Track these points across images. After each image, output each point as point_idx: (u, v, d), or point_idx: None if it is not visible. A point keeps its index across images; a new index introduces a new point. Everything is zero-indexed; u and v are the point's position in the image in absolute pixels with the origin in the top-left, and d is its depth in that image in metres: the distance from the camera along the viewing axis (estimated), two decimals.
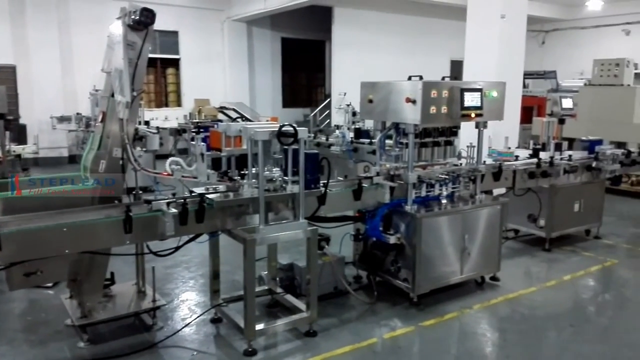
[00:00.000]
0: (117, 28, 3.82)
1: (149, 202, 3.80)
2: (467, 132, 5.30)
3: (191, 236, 4.03)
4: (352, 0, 14.94)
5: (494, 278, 5.42)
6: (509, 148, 6.60)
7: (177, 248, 4.06)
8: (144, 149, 4.23)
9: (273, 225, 4.03)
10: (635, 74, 12.25)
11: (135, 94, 3.85)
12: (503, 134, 6.68)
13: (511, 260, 6.09)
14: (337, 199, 4.55)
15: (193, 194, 3.97)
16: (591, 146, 6.73)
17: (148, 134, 4.24)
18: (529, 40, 12.82)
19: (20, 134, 11.31)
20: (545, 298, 5.13)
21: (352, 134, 7.42)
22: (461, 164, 5.19)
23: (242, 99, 14.67)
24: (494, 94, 4.95)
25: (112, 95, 3.90)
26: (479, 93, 4.79)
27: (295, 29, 17.30)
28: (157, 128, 8.35)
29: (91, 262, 3.99)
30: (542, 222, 6.43)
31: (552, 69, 15.41)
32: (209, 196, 3.91)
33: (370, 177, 4.87)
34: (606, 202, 7.10)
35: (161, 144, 4.49)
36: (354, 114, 11.36)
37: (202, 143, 3.96)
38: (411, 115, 4.54)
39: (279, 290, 4.79)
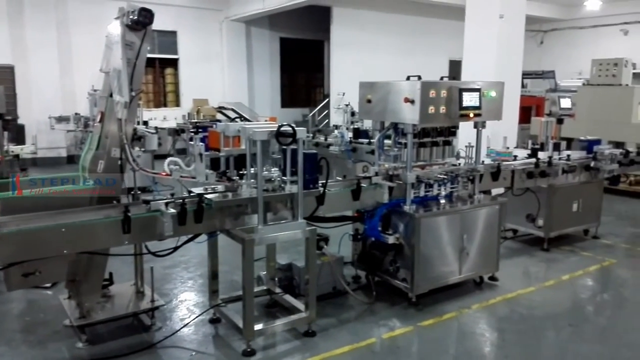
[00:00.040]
0: (115, 28, 3.82)
1: (147, 202, 3.80)
2: (465, 132, 5.30)
3: (190, 236, 4.03)
4: (350, 0, 14.94)
5: (492, 278, 5.43)
6: (508, 148, 6.60)
7: (176, 248, 4.06)
8: (143, 149, 4.23)
9: (272, 225, 4.03)
10: (634, 73, 12.27)
11: (133, 94, 3.86)
12: (501, 134, 6.68)
13: (510, 260, 6.10)
14: (335, 199, 4.55)
15: (192, 194, 3.97)
16: (589, 146, 6.74)
17: (146, 134, 4.23)
18: (528, 40, 12.82)
19: (18, 134, 11.30)
20: (544, 298, 5.14)
21: (350, 134, 7.41)
22: (460, 163, 5.19)
23: (241, 99, 14.69)
24: (493, 93, 4.96)
25: (111, 95, 3.90)
26: (478, 93, 4.79)
27: (294, 29, 17.30)
28: (156, 128, 8.30)
29: (90, 262, 3.99)
30: (540, 222, 6.44)
31: (550, 68, 15.43)
32: (208, 196, 3.91)
33: (369, 177, 4.87)
34: (604, 201, 7.11)
35: (160, 144, 4.49)
36: (352, 114, 11.39)
37: (201, 143, 3.96)
38: (410, 115, 4.54)
39: (277, 290, 4.79)
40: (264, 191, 3.95)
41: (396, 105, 4.64)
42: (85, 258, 3.90)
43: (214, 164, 4.28)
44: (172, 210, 3.68)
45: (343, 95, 13.72)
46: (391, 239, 4.73)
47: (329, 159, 4.59)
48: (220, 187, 4.09)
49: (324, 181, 4.33)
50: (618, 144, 7.71)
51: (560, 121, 7.36)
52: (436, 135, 4.97)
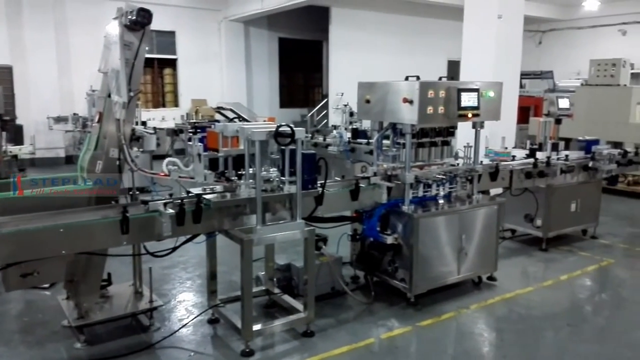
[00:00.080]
0: (113, 28, 3.82)
1: (145, 202, 3.79)
2: (464, 132, 5.31)
3: (188, 237, 4.02)
4: (349, 1, 14.94)
5: (491, 278, 5.43)
6: (506, 148, 6.60)
7: (174, 249, 4.05)
8: (141, 150, 4.23)
9: (270, 225, 4.03)
10: (632, 74, 12.32)
11: (132, 94, 3.85)
12: (500, 134, 6.69)
13: (508, 260, 6.10)
14: (334, 199, 4.55)
15: (190, 195, 3.96)
16: (588, 146, 6.75)
17: (145, 134, 4.23)
18: (526, 40, 12.83)
19: (16, 135, 11.29)
20: (542, 298, 5.14)
21: (349, 134, 7.42)
22: (458, 164, 5.20)
23: (240, 99, 14.67)
24: (491, 94, 4.96)
25: (109, 96, 3.89)
26: (476, 93, 4.80)
27: (293, 29, 17.30)
28: (154, 128, 8.30)
29: (88, 262, 3.99)
30: (539, 222, 6.44)
31: (548, 69, 15.44)
32: (206, 197, 3.91)
33: (368, 177, 4.87)
34: (603, 202, 7.12)
35: (158, 145, 4.49)
36: (351, 114, 11.38)
37: (199, 143, 3.96)
38: (408, 116, 4.54)
39: (276, 290, 4.78)
40: (263, 191, 3.95)
41: (395, 105, 4.64)
42: (83, 258, 3.90)
43: (213, 164, 4.28)
44: (171, 211, 3.67)
45: (342, 95, 13.71)
46: (390, 239, 4.73)
47: (327, 159, 4.60)
48: (218, 188, 4.09)
49: (323, 181, 4.33)
50: (616, 144, 7.73)
51: (558, 121, 7.38)
52: (435, 135, 4.97)
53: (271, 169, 4.16)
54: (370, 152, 5.69)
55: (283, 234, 4.04)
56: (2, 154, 8.06)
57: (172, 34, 15.40)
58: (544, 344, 4.30)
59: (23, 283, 3.57)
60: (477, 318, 4.71)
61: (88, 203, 3.88)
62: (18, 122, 12.26)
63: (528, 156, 6.37)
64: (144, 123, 10.46)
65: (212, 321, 4.49)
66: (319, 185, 4.28)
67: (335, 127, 9.70)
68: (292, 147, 3.90)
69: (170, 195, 3.90)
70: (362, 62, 14.60)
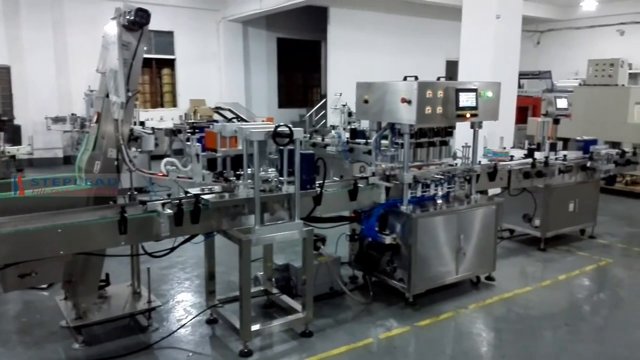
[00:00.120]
0: (111, 28, 3.82)
1: (144, 202, 3.79)
2: (462, 132, 5.31)
3: (186, 237, 4.02)
4: (347, 1, 14.94)
5: (489, 278, 5.43)
6: (504, 148, 6.61)
7: (173, 249, 4.05)
8: (139, 150, 4.22)
9: (269, 225, 4.03)
10: (630, 74, 12.33)
11: (130, 94, 3.85)
12: (498, 134, 6.70)
13: (506, 260, 6.11)
14: (332, 199, 4.55)
15: (188, 195, 3.96)
16: (586, 146, 6.75)
17: (143, 134, 4.23)
18: (524, 40, 12.84)
19: (14, 135, 11.29)
20: (541, 298, 5.15)
21: (347, 134, 7.42)
22: (456, 164, 5.20)
23: (238, 100, 14.65)
24: (489, 94, 4.96)
25: (107, 96, 3.89)
26: (474, 93, 4.80)
27: (291, 29, 17.29)
28: (153, 128, 8.30)
29: (86, 263, 3.98)
30: (537, 222, 6.45)
31: (547, 69, 15.47)
32: (204, 197, 3.90)
33: (366, 178, 4.88)
34: (601, 201, 7.13)
35: (156, 145, 4.48)
36: (349, 114, 11.37)
37: (198, 143, 3.95)
38: (406, 116, 4.54)
39: (274, 290, 4.78)
40: (261, 191, 3.94)
41: (393, 105, 4.64)
42: (81, 259, 3.89)
43: (211, 164, 4.28)
44: (169, 211, 3.67)
45: (340, 95, 13.72)
46: (388, 239, 4.73)
47: (326, 160, 4.59)
48: (217, 188, 4.08)
49: (321, 181, 4.33)
50: (614, 144, 7.74)
51: (556, 121, 7.38)
52: (433, 135, 4.97)
53: (269, 169, 4.15)
54: (369, 152, 5.69)
55: (281, 234, 4.04)
56: (0, 154, 8.05)
57: (170, 34, 15.38)
58: (542, 343, 4.31)
59: (21, 283, 3.56)
60: (475, 318, 4.71)
61: (86, 203, 3.87)
62: (16, 122, 12.28)
63: (526, 156, 6.38)
64: (142, 123, 10.45)
65: (210, 321, 4.49)
66: (317, 185, 4.28)
67: (333, 127, 9.70)
68: (290, 147, 3.90)
69: (169, 195, 3.90)
70: (361, 62, 14.60)
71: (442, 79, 4.76)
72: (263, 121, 6.25)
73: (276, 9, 14.27)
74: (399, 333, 4.38)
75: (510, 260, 6.17)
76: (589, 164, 6.53)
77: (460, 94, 4.68)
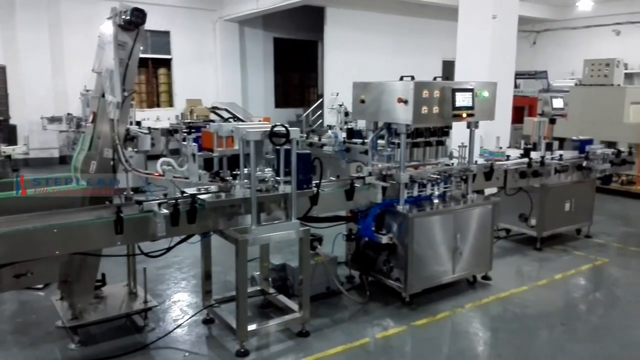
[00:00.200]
0: (107, 28, 3.80)
1: (140, 202, 3.78)
2: (458, 132, 5.32)
3: (183, 237, 4.02)
4: (344, 1, 14.95)
5: (485, 277, 5.44)
6: (501, 148, 6.63)
7: (169, 249, 4.05)
8: (135, 150, 4.21)
9: (265, 225, 4.03)
10: (625, 74, 12.39)
11: (126, 94, 3.84)
12: (494, 134, 6.71)
13: (503, 259, 6.12)
14: (329, 199, 4.55)
15: (184, 195, 3.96)
16: (582, 146, 6.77)
17: (139, 134, 4.21)
18: (520, 40, 12.89)
19: (10, 135, 11.25)
20: (537, 297, 5.16)
21: (344, 134, 7.43)
22: (453, 163, 5.21)
23: (235, 99, 14.65)
24: (485, 94, 4.97)
25: (103, 96, 3.88)
26: (471, 93, 4.81)
27: (288, 29, 17.29)
28: (149, 128, 8.31)
29: (82, 263, 3.97)
30: (533, 222, 6.46)
31: (543, 69, 15.51)
32: (201, 197, 3.90)
33: (363, 177, 4.88)
34: (597, 201, 7.15)
35: (153, 145, 4.47)
36: (346, 114, 11.36)
37: (194, 143, 3.95)
38: (403, 115, 4.55)
39: (271, 290, 4.78)
40: (258, 191, 3.94)
41: (389, 105, 4.65)
42: (77, 259, 3.88)
43: (207, 164, 4.27)
44: (165, 211, 3.67)
45: (337, 95, 13.70)
46: (385, 239, 4.74)
47: (322, 159, 4.59)
48: (213, 188, 4.08)
49: (318, 181, 4.33)
50: (610, 144, 7.76)
51: (552, 121, 7.40)
52: (429, 135, 4.98)
53: (266, 169, 4.15)
54: (365, 152, 5.70)
55: (278, 234, 4.04)
56: None
57: (166, 33, 15.36)
58: (538, 343, 4.32)
59: (16, 283, 3.55)
60: (471, 317, 4.72)
61: (82, 203, 3.86)
62: (12, 122, 12.24)
63: (522, 156, 6.39)
64: (138, 123, 10.42)
65: (207, 321, 4.48)
66: (314, 185, 4.28)
67: (330, 127, 9.70)
68: (287, 147, 3.90)
69: (165, 195, 3.90)
70: (358, 62, 14.61)
71: (439, 79, 4.77)
72: (260, 121, 6.24)
73: (273, 9, 14.26)
74: (395, 333, 4.39)
75: (507, 260, 6.18)
76: (584, 163, 6.54)
77: (457, 93, 4.69)
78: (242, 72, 16.66)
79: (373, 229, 4.79)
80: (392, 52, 15.75)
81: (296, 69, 18.73)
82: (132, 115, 9.68)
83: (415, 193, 4.88)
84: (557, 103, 7.48)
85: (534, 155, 6.30)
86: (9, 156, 8.34)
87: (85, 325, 4.12)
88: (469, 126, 5.08)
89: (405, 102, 4.48)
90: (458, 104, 4.70)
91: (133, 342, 4.14)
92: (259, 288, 4.81)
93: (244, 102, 16.15)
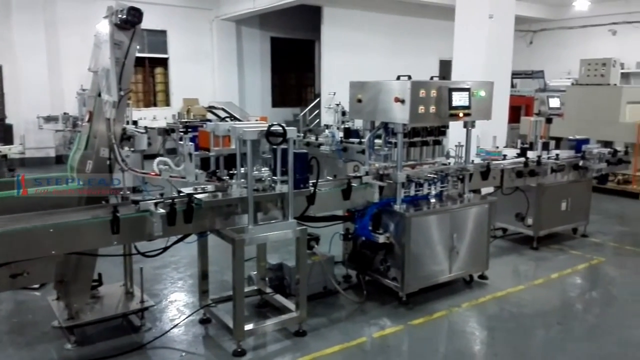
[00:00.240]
0: (104, 27, 3.80)
1: (136, 202, 3.77)
2: (455, 132, 5.33)
3: (179, 237, 4.01)
4: (341, 0, 14.94)
5: (482, 277, 5.45)
6: (497, 147, 6.63)
7: (166, 248, 4.04)
8: (132, 149, 4.20)
9: (262, 225, 4.02)
10: (622, 73, 12.43)
11: (122, 93, 3.83)
12: (491, 134, 6.72)
13: (499, 258, 6.13)
14: (326, 198, 4.55)
15: (181, 194, 3.95)
16: (578, 145, 6.79)
17: (136, 133, 4.21)
18: (517, 40, 12.90)
19: (6, 134, 11.24)
20: (533, 296, 5.17)
21: (341, 134, 7.42)
22: (449, 163, 5.21)
23: (231, 99, 14.62)
24: (482, 93, 4.98)
25: (99, 95, 3.87)
26: (467, 93, 4.81)
27: (285, 29, 17.27)
28: (145, 128, 8.28)
29: (78, 263, 3.96)
30: (529, 221, 6.47)
31: (539, 68, 15.54)
32: (198, 196, 3.89)
33: (360, 177, 4.88)
34: (593, 200, 7.16)
35: (149, 144, 4.48)
36: (343, 113, 11.38)
37: (191, 143, 3.94)
38: (400, 115, 4.55)
39: (268, 290, 4.78)
40: (254, 191, 3.94)
41: (386, 104, 4.65)
42: (74, 259, 3.87)
43: (204, 163, 4.27)
44: (162, 211, 3.66)
45: (334, 94, 13.72)
46: (382, 238, 4.74)
47: (319, 159, 4.59)
48: (210, 187, 4.07)
49: (315, 181, 4.32)
50: (606, 143, 7.80)
51: (549, 121, 7.42)
52: (426, 134, 4.98)
53: (263, 169, 4.15)
54: (362, 152, 5.69)
55: (275, 233, 4.04)
56: None
57: (163, 33, 15.32)
58: (534, 342, 4.33)
59: (12, 284, 3.53)
60: (468, 317, 4.73)
61: (78, 203, 3.85)
62: (7, 121, 12.22)
63: (519, 155, 6.40)
64: (135, 122, 10.39)
65: (203, 321, 4.48)
66: (310, 184, 4.28)
67: (327, 126, 9.70)
68: (284, 146, 3.90)
69: (162, 194, 3.88)
70: (355, 62, 14.61)
71: (436, 79, 4.78)
72: (256, 120, 6.24)
73: (270, 8, 14.24)
74: (392, 332, 4.39)
75: (503, 259, 6.19)
76: (581, 163, 6.56)
77: (453, 93, 4.70)
78: (239, 72, 16.64)
79: (370, 228, 4.80)
80: (389, 52, 15.75)
81: (293, 68, 18.71)
82: (128, 114, 9.64)
83: (412, 192, 4.88)
84: (554, 103, 7.50)
85: (530, 154, 6.32)
86: (4, 155, 8.31)
87: (81, 325, 4.11)
88: (465, 125, 5.09)
89: (402, 101, 4.48)
90: (455, 103, 4.70)
91: (130, 342, 4.13)
92: (255, 288, 4.81)
93: (240, 101, 16.14)
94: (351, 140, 7.08)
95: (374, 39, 15.66)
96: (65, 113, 11.89)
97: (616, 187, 9.74)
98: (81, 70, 4.52)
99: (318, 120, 15.45)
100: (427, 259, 4.88)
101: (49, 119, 12.32)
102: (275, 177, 4.10)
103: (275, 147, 3.93)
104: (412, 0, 14.38)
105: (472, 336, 4.46)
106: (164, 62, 15.65)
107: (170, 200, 3.73)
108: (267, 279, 4.85)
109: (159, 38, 15.29)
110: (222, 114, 10.25)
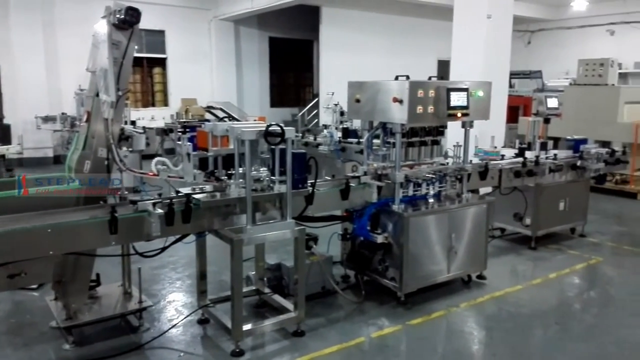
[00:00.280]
0: (102, 27, 3.79)
1: (134, 202, 3.76)
2: (453, 132, 5.33)
3: (178, 237, 4.01)
4: (339, 0, 14.95)
5: (480, 276, 5.46)
6: (495, 147, 6.64)
7: (164, 249, 4.03)
8: (130, 149, 4.19)
9: (260, 225, 4.02)
10: (620, 73, 12.45)
11: (120, 93, 3.83)
12: (489, 134, 6.73)
13: (497, 258, 6.13)
14: (324, 198, 4.55)
15: (179, 194, 3.95)
16: (576, 145, 6.79)
17: (134, 133, 4.20)
18: (515, 40, 12.90)
19: (4, 134, 11.23)
20: (531, 296, 5.17)
21: (339, 134, 7.42)
22: (448, 163, 5.22)
23: (230, 99, 14.60)
24: (480, 93, 4.98)
25: (97, 95, 3.86)
26: (465, 93, 4.82)
27: (283, 29, 17.27)
28: (144, 128, 8.29)
29: (76, 263, 3.95)
30: (527, 221, 6.48)
31: (537, 68, 15.56)
32: (196, 196, 3.89)
33: (358, 177, 4.88)
34: (591, 200, 7.17)
35: (147, 144, 4.46)
36: (341, 113, 11.39)
37: (189, 143, 3.93)
38: (398, 115, 4.55)
39: (266, 290, 4.78)
40: (253, 191, 3.94)
41: (385, 104, 4.65)
42: (72, 259, 3.87)
43: (202, 163, 4.27)
44: (160, 211, 3.66)
45: (332, 94, 13.72)
46: (380, 238, 4.74)
47: (318, 159, 4.58)
48: (208, 187, 4.07)
49: (313, 181, 4.32)
50: (604, 143, 7.81)
51: (547, 121, 7.41)
52: (424, 134, 4.98)
53: (261, 169, 4.14)
54: (361, 152, 5.69)
55: (273, 233, 4.04)
56: None
57: (161, 33, 15.31)
58: (532, 342, 4.34)
59: (10, 284, 3.53)
60: (466, 316, 4.73)
61: (76, 203, 3.84)
62: (5, 121, 12.20)
63: (517, 155, 6.40)
64: (133, 122, 10.39)
65: (202, 321, 4.48)
66: (309, 184, 4.28)
67: (325, 126, 9.70)
68: (282, 146, 3.90)
69: (160, 195, 3.88)
70: (353, 62, 14.61)
71: (434, 79, 4.78)
72: (255, 120, 6.24)
73: (268, 8, 14.25)
74: (390, 332, 4.39)
75: (501, 259, 6.20)
76: (579, 163, 6.57)
77: (452, 93, 4.70)
78: (237, 72, 16.64)
79: (368, 228, 4.80)
80: (387, 52, 15.76)
81: (291, 68, 18.71)
82: (126, 114, 9.66)
83: (411, 192, 4.88)
84: (552, 103, 7.49)
85: (528, 154, 6.32)
86: (2, 156, 8.31)
87: (79, 325, 4.10)
88: (463, 125, 5.10)
89: (401, 101, 4.48)
90: (453, 103, 4.71)
91: (128, 343, 4.13)
92: (254, 288, 4.81)
93: (239, 101, 16.12)
94: (349, 140, 7.07)
95: (373, 39, 15.67)
96: (63, 113, 11.88)
97: (614, 187, 9.76)
98: (79, 70, 4.53)
99: (316, 120, 15.46)
100: (426, 259, 4.88)
101: (47, 119, 12.29)
102: (273, 177, 4.10)
103: (273, 147, 3.93)
104: (410, 1, 14.39)
105: (471, 336, 4.47)
106: (162, 62, 15.64)
107: (168, 201, 3.73)
108: (265, 279, 4.85)
109: (157, 38, 15.29)
110: (221, 114, 10.22)
